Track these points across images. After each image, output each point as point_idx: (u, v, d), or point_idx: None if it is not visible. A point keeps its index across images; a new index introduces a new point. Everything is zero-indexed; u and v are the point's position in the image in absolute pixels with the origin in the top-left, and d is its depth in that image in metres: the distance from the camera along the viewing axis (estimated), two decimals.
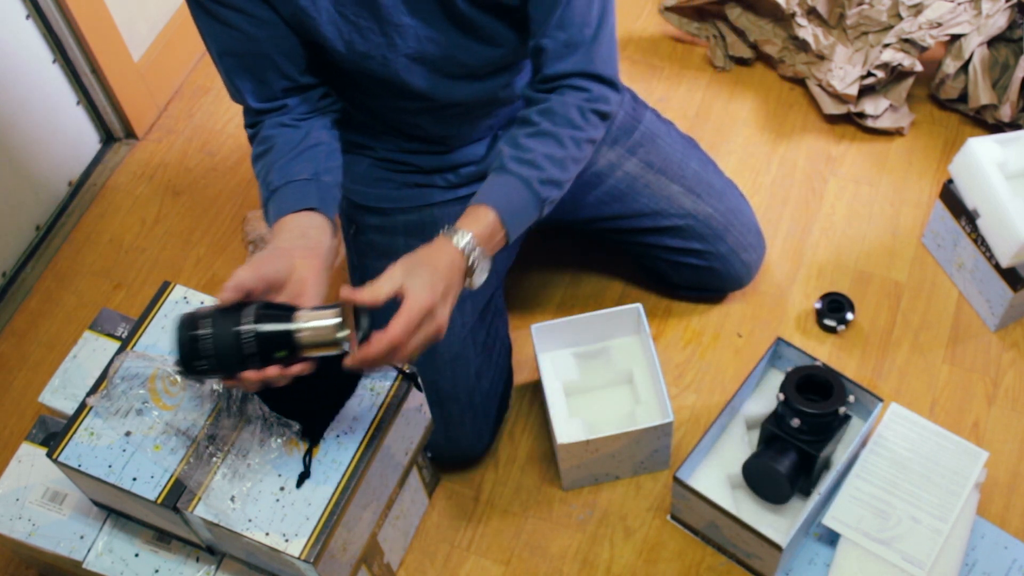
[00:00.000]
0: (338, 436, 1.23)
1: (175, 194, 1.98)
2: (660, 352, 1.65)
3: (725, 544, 1.44)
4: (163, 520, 1.26)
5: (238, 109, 1.34)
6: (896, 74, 1.86)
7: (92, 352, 1.43)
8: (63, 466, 1.23)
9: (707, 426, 1.51)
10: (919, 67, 1.83)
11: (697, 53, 2.06)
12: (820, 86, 1.91)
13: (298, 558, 1.15)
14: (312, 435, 1.23)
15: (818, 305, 1.67)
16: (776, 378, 1.55)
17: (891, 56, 1.83)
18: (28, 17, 1.81)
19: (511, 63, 1.36)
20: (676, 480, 1.41)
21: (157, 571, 1.30)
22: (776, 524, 1.43)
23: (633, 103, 1.61)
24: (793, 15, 1.90)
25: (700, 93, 2.00)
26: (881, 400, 1.44)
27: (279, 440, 1.22)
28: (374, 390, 1.27)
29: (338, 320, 1.05)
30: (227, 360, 1.06)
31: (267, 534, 1.17)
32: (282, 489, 1.20)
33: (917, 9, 1.84)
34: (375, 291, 1.08)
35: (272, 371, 1.06)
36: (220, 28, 1.22)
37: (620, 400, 1.57)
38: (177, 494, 1.19)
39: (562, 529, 1.51)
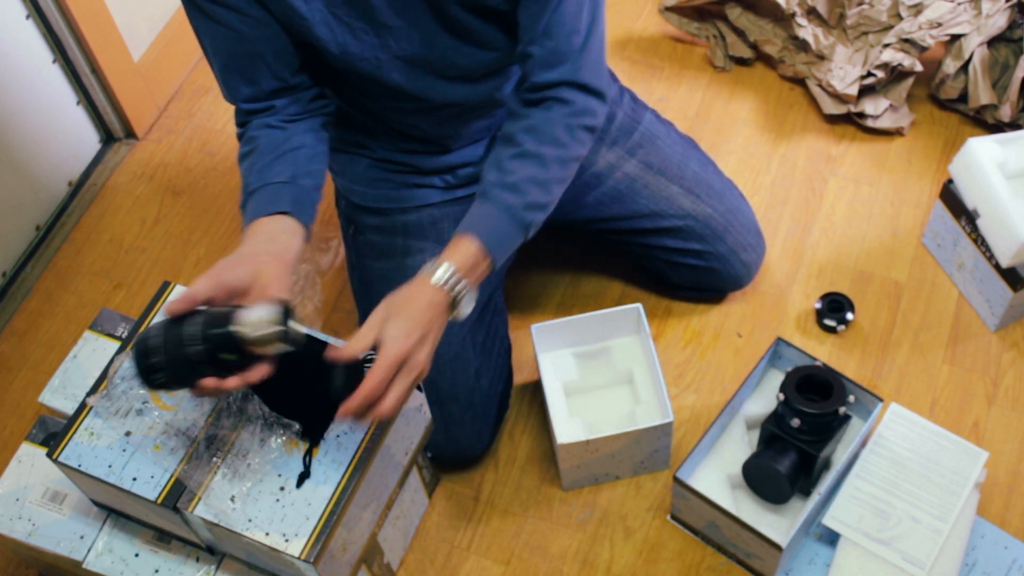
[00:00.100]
0: (338, 436, 1.23)
1: (175, 194, 1.98)
2: (660, 352, 1.65)
3: (725, 544, 1.44)
4: (163, 520, 1.26)
5: None
6: (896, 74, 1.86)
7: (92, 352, 1.43)
8: (63, 466, 1.23)
9: (707, 426, 1.51)
10: (919, 67, 1.83)
11: (697, 53, 2.06)
12: (820, 86, 1.91)
13: (298, 558, 1.15)
14: (312, 435, 1.23)
15: (818, 305, 1.67)
16: (776, 378, 1.55)
17: (891, 56, 1.83)
18: (28, 17, 1.81)
19: (505, 66, 1.35)
20: (676, 480, 1.41)
21: (157, 571, 1.30)
22: (776, 524, 1.43)
23: (632, 104, 1.61)
24: (793, 15, 1.90)
25: (700, 93, 2.00)
26: (881, 400, 1.44)
27: (279, 440, 1.22)
28: None
29: (275, 312, 1.05)
30: (179, 369, 1.07)
31: (267, 534, 1.17)
32: (282, 489, 1.20)
33: (917, 9, 1.84)
34: (356, 345, 1.10)
35: (232, 381, 1.07)
36: (213, 26, 1.22)
37: (620, 400, 1.57)
38: (177, 494, 1.19)
39: (562, 529, 1.51)
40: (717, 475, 1.47)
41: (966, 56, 1.79)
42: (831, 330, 1.66)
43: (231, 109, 1.32)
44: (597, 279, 1.76)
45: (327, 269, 1.80)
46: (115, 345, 1.43)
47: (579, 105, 1.24)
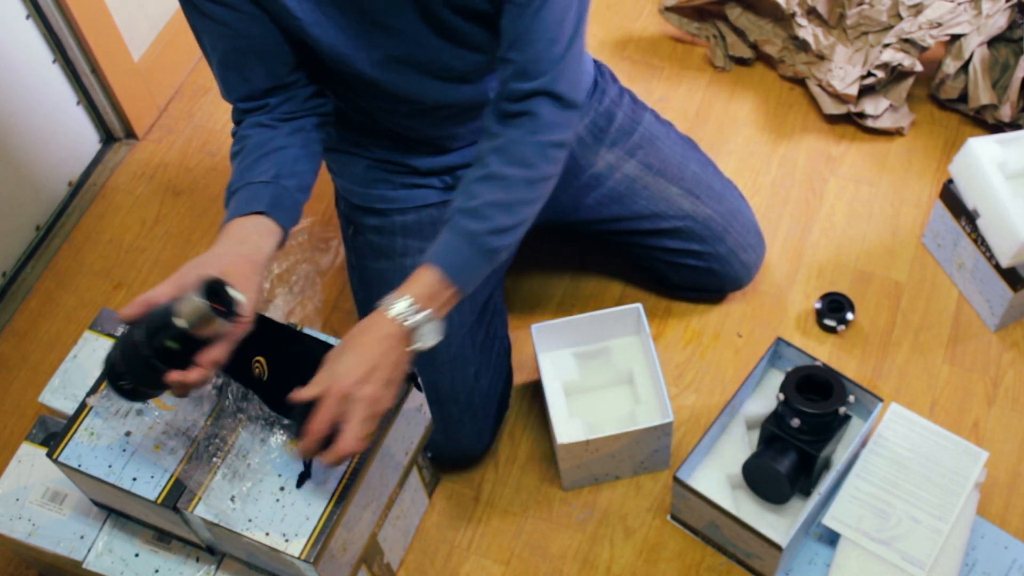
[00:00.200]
0: None
1: (175, 194, 1.98)
2: (660, 352, 1.65)
3: (725, 544, 1.44)
4: (163, 520, 1.26)
5: None
6: (896, 74, 1.86)
7: (92, 352, 1.43)
8: (63, 466, 1.23)
9: (707, 426, 1.51)
10: (919, 67, 1.83)
11: (697, 53, 2.06)
12: (820, 86, 1.91)
13: (298, 558, 1.15)
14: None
15: (818, 305, 1.67)
16: (776, 378, 1.55)
17: (891, 56, 1.83)
18: (28, 17, 1.81)
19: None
20: (676, 480, 1.41)
21: (157, 571, 1.30)
22: (776, 524, 1.43)
23: (632, 104, 1.61)
24: (793, 15, 1.90)
25: (700, 93, 2.00)
26: (881, 400, 1.44)
27: (279, 440, 1.22)
28: None
29: (199, 291, 1.05)
30: (137, 368, 1.07)
31: (267, 534, 1.17)
32: (282, 489, 1.20)
33: (917, 9, 1.84)
34: (309, 390, 1.12)
35: (194, 374, 1.07)
36: (209, 23, 1.22)
37: (620, 400, 1.57)
38: (177, 494, 1.19)
39: (562, 529, 1.51)
40: (717, 475, 1.47)
41: (966, 56, 1.79)
42: (831, 330, 1.66)
43: (231, 109, 1.32)
44: (597, 279, 1.76)
45: (327, 269, 1.80)
46: None
47: (550, 118, 1.21)
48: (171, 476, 1.20)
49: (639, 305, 1.55)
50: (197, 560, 1.31)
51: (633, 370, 1.56)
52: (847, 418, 1.42)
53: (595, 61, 1.60)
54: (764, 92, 1.98)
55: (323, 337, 1.27)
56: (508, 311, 1.67)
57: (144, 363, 1.07)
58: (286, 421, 1.22)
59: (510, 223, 1.22)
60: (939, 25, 1.81)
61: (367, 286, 1.54)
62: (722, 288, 1.69)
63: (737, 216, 1.62)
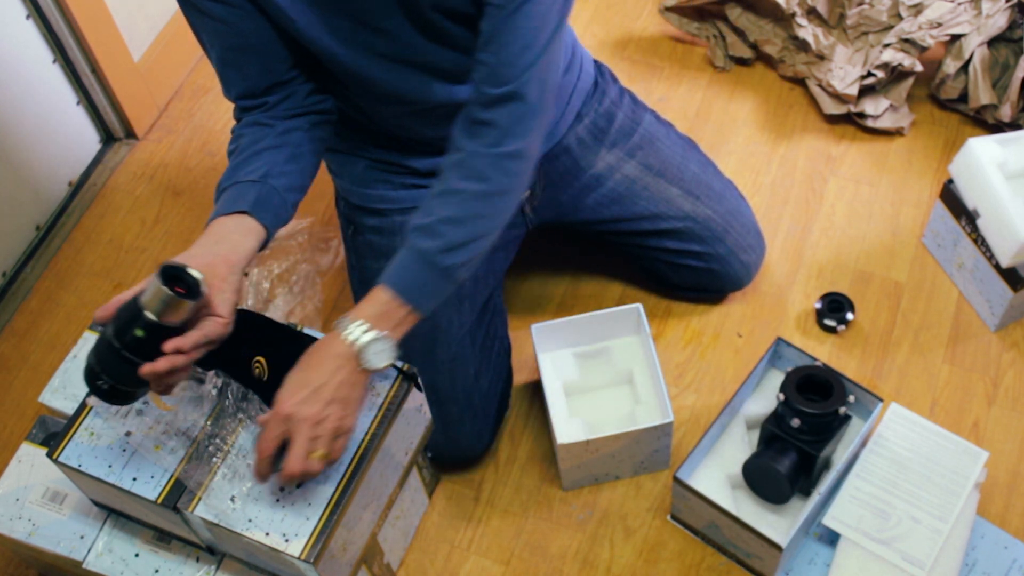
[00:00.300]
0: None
1: (175, 194, 1.98)
2: (660, 352, 1.65)
3: (725, 544, 1.44)
4: (163, 520, 1.26)
5: None
6: (896, 74, 1.86)
7: None
8: (63, 466, 1.23)
9: (707, 426, 1.51)
10: (919, 67, 1.83)
11: (697, 53, 2.06)
12: (820, 86, 1.91)
13: (298, 558, 1.15)
14: None
15: (818, 305, 1.67)
16: (776, 378, 1.55)
17: (891, 56, 1.83)
18: (28, 17, 1.81)
19: None
20: (676, 480, 1.41)
21: (157, 571, 1.30)
22: (776, 524, 1.43)
23: (632, 105, 1.61)
24: (793, 15, 1.90)
25: (700, 93, 2.00)
26: (881, 400, 1.44)
27: None
28: (374, 390, 1.27)
29: (157, 277, 1.05)
30: (112, 365, 1.08)
31: (267, 534, 1.17)
32: (282, 489, 1.20)
33: (917, 9, 1.84)
34: (267, 415, 1.15)
35: (162, 363, 1.06)
36: (205, 20, 1.22)
37: (620, 400, 1.57)
38: (177, 494, 1.19)
39: (562, 529, 1.51)
40: (717, 475, 1.47)
41: (966, 56, 1.79)
42: (831, 330, 1.66)
43: (231, 109, 1.32)
44: (597, 279, 1.76)
45: (327, 269, 1.80)
46: None
47: (512, 127, 1.19)
48: (171, 476, 1.20)
49: (639, 305, 1.55)
50: (197, 560, 1.31)
51: (633, 370, 1.56)
52: (847, 418, 1.42)
53: (595, 61, 1.60)
54: (764, 92, 1.98)
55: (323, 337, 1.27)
56: (508, 311, 1.67)
57: (118, 359, 1.07)
58: None
59: (463, 239, 1.20)
60: (939, 25, 1.81)
61: (367, 286, 1.52)
62: (722, 288, 1.69)
63: (737, 216, 1.62)
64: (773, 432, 1.40)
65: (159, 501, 1.19)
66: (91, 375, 1.10)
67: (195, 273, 1.07)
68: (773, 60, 1.99)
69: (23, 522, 1.34)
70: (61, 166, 1.97)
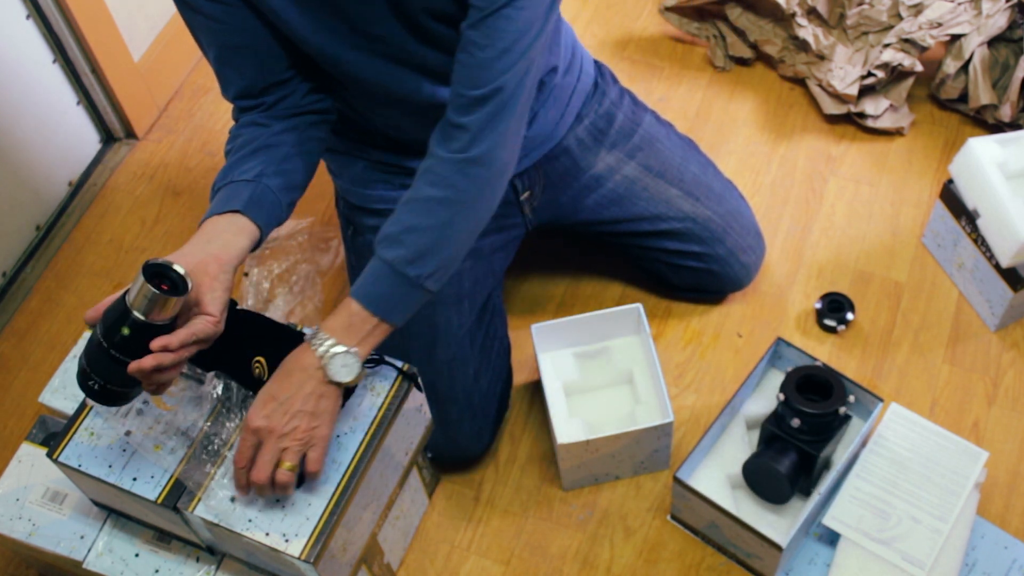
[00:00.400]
0: (338, 436, 1.23)
1: (175, 194, 1.98)
2: (660, 352, 1.65)
3: (725, 544, 1.44)
4: (163, 520, 1.26)
5: None
6: (896, 74, 1.86)
7: None
8: (63, 466, 1.23)
9: (707, 426, 1.51)
10: (919, 67, 1.83)
11: (697, 53, 2.06)
12: (820, 86, 1.91)
13: (298, 558, 1.15)
14: None
15: (818, 305, 1.67)
16: (776, 378, 1.55)
17: (891, 56, 1.83)
18: (28, 17, 1.81)
19: None
20: (676, 480, 1.41)
21: (157, 571, 1.30)
22: (776, 524, 1.43)
23: (632, 106, 1.61)
24: (793, 15, 1.90)
25: (700, 93, 2.00)
26: (881, 400, 1.44)
27: None
28: (374, 390, 1.27)
29: (140, 275, 1.05)
30: (101, 365, 1.08)
31: (267, 534, 1.17)
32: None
33: (917, 9, 1.84)
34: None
35: (148, 360, 1.06)
36: (200, 19, 1.22)
37: (620, 400, 1.57)
38: (177, 494, 1.19)
39: (562, 529, 1.51)
40: (717, 475, 1.47)
41: (966, 56, 1.79)
42: (831, 330, 1.66)
43: (231, 109, 1.32)
44: (597, 279, 1.76)
45: (327, 269, 1.80)
46: None
47: (483, 131, 1.17)
48: (171, 476, 1.20)
49: (639, 305, 1.55)
50: (197, 560, 1.31)
51: (633, 370, 1.56)
52: (847, 418, 1.42)
53: (595, 62, 1.60)
54: (764, 92, 1.98)
55: None
56: (508, 311, 1.67)
57: (107, 358, 1.07)
58: None
59: (429, 247, 1.19)
60: (939, 25, 1.81)
61: None
62: (722, 289, 1.69)
63: (737, 217, 1.62)
64: (773, 432, 1.40)
65: (159, 501, 1.19)
66: (83, 376, 1.10)
67: (179, 268, 1.07)
68: (773, 60, 1.99)
69: (23, 522, 1.34)
70: (61, 166, 1.97)
